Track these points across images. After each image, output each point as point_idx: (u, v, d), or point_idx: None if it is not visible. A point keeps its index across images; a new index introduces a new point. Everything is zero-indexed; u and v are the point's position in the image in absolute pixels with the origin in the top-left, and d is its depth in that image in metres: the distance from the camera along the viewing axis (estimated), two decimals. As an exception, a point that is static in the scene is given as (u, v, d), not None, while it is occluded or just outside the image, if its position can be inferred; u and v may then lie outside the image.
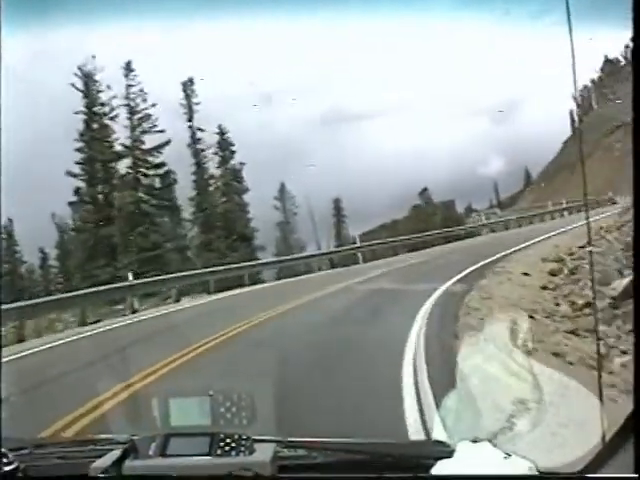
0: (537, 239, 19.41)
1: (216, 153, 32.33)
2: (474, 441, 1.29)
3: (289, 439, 1.42)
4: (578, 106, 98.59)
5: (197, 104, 31.47)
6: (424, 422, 3.59)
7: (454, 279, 12.15)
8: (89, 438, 1.86)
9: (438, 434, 1.73)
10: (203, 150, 31.69)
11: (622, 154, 62.47)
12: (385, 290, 11.42)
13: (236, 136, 32.56)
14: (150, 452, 1.27)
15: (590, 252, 13.73)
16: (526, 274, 12.79)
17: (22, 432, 2.04)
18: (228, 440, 1.26)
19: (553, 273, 13.03)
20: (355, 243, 23.49)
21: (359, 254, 22.00)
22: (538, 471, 1.17)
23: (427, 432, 3.32)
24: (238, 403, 1.30)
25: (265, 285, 17.21)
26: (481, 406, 1.65)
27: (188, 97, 31.55)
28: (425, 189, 50.43)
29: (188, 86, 31.65)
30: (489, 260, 15.11)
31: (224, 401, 1.30)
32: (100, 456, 1.31)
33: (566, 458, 1.25)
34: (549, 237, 19.99)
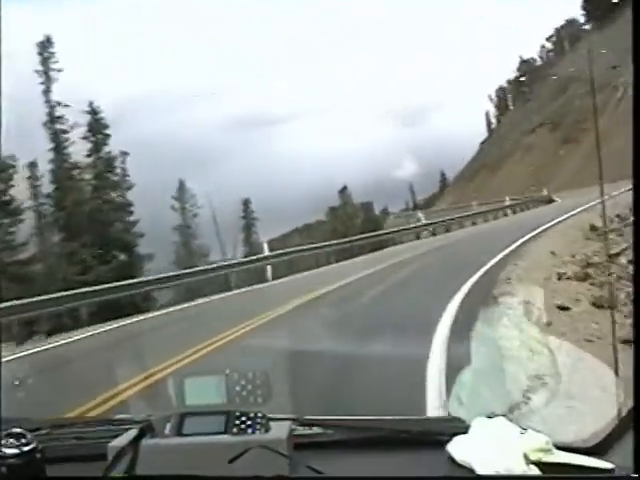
0: (513, 245, 13.93)
1: (85, 137, 25.09)
2: (489, 416, 1.23)
3: (304, 417, 1.38)
4: (496, 107, 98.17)
5: (58, 71, 24.15)
6: None
7: (444, 324, 6.21)
8: (105, 418, 1.81)
9: (453, 410, 1.52)
10: (65, 132, 24.35)
11: (543, 153, 60.37)
12: (315, 356, 5.16)
13: (134, 133, 25.93)
14: (166, 431, 1.22)
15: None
16: (563, 308, 7.08)
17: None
18: (244, 418, 1.22)
19: (601, 304, 7.52)
20: (267, 251, 17.14)
21: (268, 267, 15.74)
22: (554, 446, 1.14)
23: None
24: (253, 381, 1.25)
25: (94, 332, 9.95)
26: (497, 381, 1.50)
27: (45, 62, 24.17)
28: (345, 187, 45.60)
29: (45, 48, 24.28)
30: (474, 279, 9.35)
31: (239, 379, 1.25)
32: (116, 436, 1.26)
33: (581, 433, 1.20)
34: (526, 241, 14.62)
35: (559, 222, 18.35)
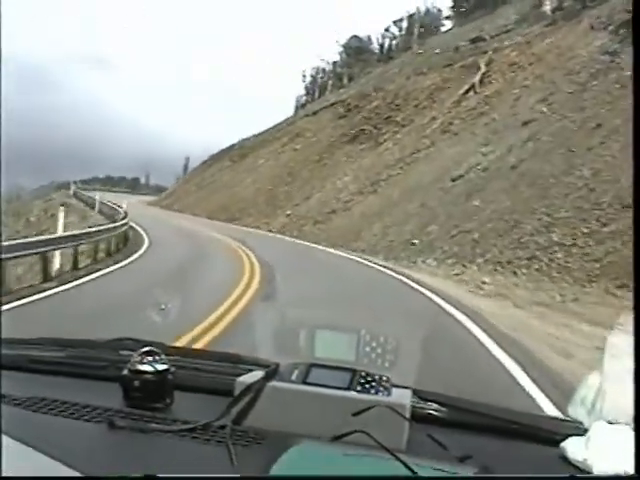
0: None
1: None
2: (611, 422, 1.19)
3: (424, 390, 1.41)
4: (307, 87, 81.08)
5: None
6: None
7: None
8: (232, 356, 1.69)
9: (574, 412, 1.39)
10: None
11: (312, 149, 42.09)
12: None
13: None
14: (292, 377, 1.25)
15: None
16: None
17: None
18: (369, 378, 1.23)
19: None
20: None
21: None
22: None
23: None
24: (384, 345, 1.29)
25: None
26: (627, 387, 1.20)
27: None
28: None
29: None
30: None
31: (370, 341, 1.29)
32: (240, 374, 1.28)
33: None
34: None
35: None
